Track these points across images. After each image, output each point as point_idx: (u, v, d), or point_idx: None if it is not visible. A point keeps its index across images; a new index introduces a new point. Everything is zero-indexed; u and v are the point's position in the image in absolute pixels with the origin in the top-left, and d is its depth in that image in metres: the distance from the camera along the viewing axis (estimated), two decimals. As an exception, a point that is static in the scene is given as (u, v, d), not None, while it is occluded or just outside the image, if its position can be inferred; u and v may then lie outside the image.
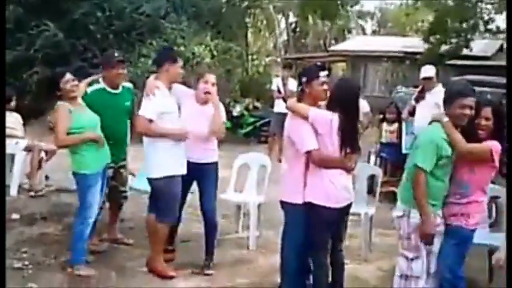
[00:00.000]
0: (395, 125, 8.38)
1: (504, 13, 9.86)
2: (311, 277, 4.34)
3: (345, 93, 4.14)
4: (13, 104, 7.36)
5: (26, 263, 5.05)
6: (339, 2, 22.04)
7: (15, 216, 6.21)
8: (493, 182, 4.44)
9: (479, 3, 15.07)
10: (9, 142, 7.11)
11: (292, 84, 11.22)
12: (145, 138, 4.93)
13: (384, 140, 8.50)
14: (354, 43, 21.60)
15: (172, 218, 5.06)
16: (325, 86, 4.17)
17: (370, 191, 6.28)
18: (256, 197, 6.22)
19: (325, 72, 4.23)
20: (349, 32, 29.64)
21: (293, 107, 4.21)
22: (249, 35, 22.61)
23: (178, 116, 5.02)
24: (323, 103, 4.22)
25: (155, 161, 4.90)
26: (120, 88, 5.53)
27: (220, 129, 5.16)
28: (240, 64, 16.83)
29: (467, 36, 14.65)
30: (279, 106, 10.99)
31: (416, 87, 7.97)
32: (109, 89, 5.43)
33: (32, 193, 7.15)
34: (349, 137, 4.08)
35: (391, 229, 6.40)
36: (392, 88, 14.26)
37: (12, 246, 5.40)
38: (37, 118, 12.19)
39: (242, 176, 6.48)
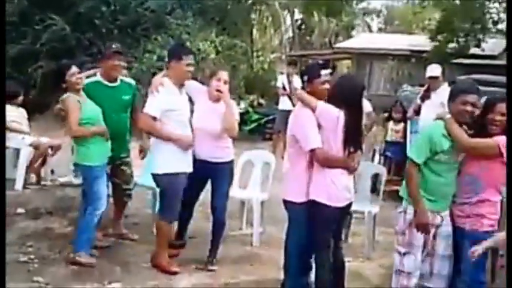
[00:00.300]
0: (401, 125, 8.37)
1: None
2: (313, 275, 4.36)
3: (347, 91, 4.11)
4: (20, 99, 7.39)
5: (32, 257, 5.08)
6: (343, -1, 22.08)
7: (20, 210, 6.24)
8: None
9: (487, 2, 14.99)
10: (15, 137, 7.16)
11: (297, 82, 11.23)
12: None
13: (389, 139, 8.49)
14: (360, 40, 21.54)
15: (173, 216, 5.05)
16: (326, 85, 4.16)
17: (374, 189, 6.29)
18: (260, 193, 6.23)
19: (327, 71, 4.23)
20: (353, 28, 29.59)
21: (302, 97, 4.19)
22: (254, 31, 22.61)
23: (187, 113, 5.02)
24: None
25: (159, 157, 4.91)
26: (118, 82, 5.45)
27: (232, 127, 5.08)
28: (245, 61, 16.82)
29: (477, 35, 14.56)
30: (284, 103, 11.00)
31: (422, 85, 7.95)
32: (105, 82, 5.37)
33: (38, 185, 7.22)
34: (352, 135, 4.07)
35: (394, 228, 6.45)
36: (397, 86, 14.24)
37: (18, 240, 5.44)
38: (42, 112, 12.20)
39: (246, 173, 6.49)
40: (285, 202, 4.30)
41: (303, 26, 28.78)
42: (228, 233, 6.07)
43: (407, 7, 28.29)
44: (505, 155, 3.84)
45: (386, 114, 9.02)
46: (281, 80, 11.31)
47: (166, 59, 5.22)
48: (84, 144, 4.97)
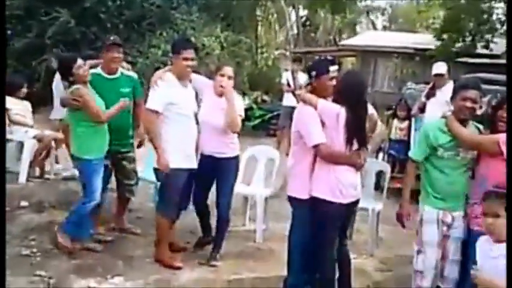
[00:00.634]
0: (406, 122, 8.33)
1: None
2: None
3: (350, 87, 4.10)
4: (24, 91, 7.38)
5: (34, 250, 5.08)
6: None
7: (23, 203, 6.23)
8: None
9: (493, 2, 14.90)
10: (18, 130, 7.16)
11: (302, 78, 11.20)
12: None
13: (393, 137, 8.46)
14: (364, 38, 21.50)
15: (171, 211, 5.04)
16: (334, 81, 4.14)
17: (378, 186, 6.28)
18: (263, 189, 6.22)
19: (335, 67, 4.22)
20: (355, 25, 29.54)
21: (304, 97, 4.19)
22: (259, 27, 22.59)
23: (190, 107, 5.01)
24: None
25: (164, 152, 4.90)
26: (118, 74, 5.44)
27: (234, 122, 5.01)
28: (249, 57, 16.82)
29: (484, 36, 14.48)
30: (288, 99, 10.98)
31: (426, 83, 7.93)
32: (104, 74, 5.37)
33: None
34: (355, 132, 4.04)
35: (397, 225, 6.44)
36: (401, 84, 14.22)
37: (21, 234, 5.43)
38: (46, 105, 12.20)
39: (250, 169, 6.49)
40: (290, 198, 4.29)
41: (308, 23, 28.75)
42: (231, 229, 6.08)
43: (412, 5, 28.25)
44: (504, 152, 3.81)
45: (390, 112, 9.00)
46: (286, 77, 11.29)
47: (171, 54, 5.22)
48: (82, 137, 5.02)
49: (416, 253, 4.13)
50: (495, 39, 14.88)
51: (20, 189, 6.67)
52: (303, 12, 27.49)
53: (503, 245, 3.12)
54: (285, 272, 4.52)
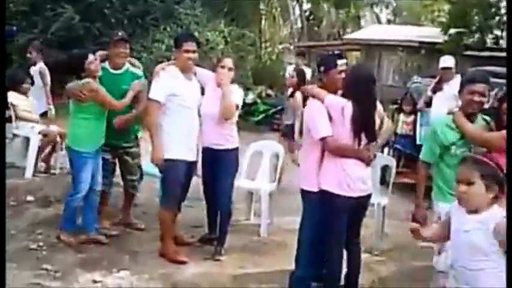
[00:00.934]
0: (412, 117, 8.29)
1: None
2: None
3: (358, 80, 4.09)
4: (26, 86, 7.38)
5: (41, 244, 5.12)
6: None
7: (30, 198, 6.27)
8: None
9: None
10: (24, 126, 7.20)
11: (307, 73, 11.17)
12: None
13: (399, 131, 8.42)
14: (369, 32, 21.43)
15: (172, 203, 5.06)
16: (343, 75, 4.14)
17: (383, 181, 6.27)
18: (268, 184, 6.23)
19: (343, 61, 4.22)
20: (359, 18, 29.43)
21: (312, 91, 4.22)
22: (263, 22, 22.55)
23: (193, 99, 5.02)
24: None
25: (163, 143, 4.94)
26: (123, 70, 5.47)
27: (226, 110, 5.02)
28: (253, 51, 16.81)
29: (493, 31, 14.33)
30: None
31: (433, 77, 7.88)
32: (110, 69, 5.41)
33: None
34: (363, 125, 4.03)
35: (403, 220, 6.45)
36: (406, 78, 14.16)
37: (27, 228, 5.48)
38: (53, 100, 12.20)
39: (254, 164, 6.49)
40: (301, 191, 4.29)
41: (312, 17, 28.67)
42: (236, 223, 6.10)
43: (416, -1, 28.10)
44: None
45: (395, 106, 8.97)
46: (289, 71, 11.26)
47: (174, 49, 5.26)
48: (76, 129, 5.13)
49: (438, 253, 4.02)
50: (504, 33, 14.72)
51: (27, 184, 6.71)
52: (306, 5, 27.43)
53: (476, 217, 2.85)
54: (290, 266, 4.52)
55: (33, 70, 7.62)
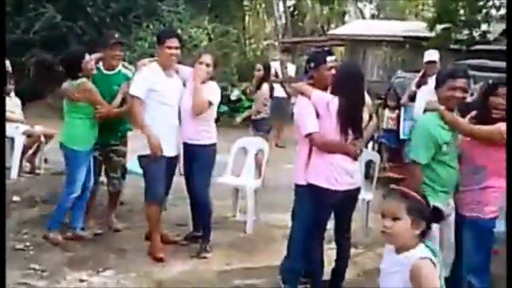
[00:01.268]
0: (397, 112, 8.32)
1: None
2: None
3: (345, 76, 4.15)
4: (9, 88, 7.34)
5: (27, 244, 5.12)
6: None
7: (16, 198, 6.27)
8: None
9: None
10: (9, 126, 7.16)
11: (291, 69, 11.21)
12: None
13: (384, 126, 8.48)
14: (353, 27, 21.44)
15: (154, 198, 5.07)
16: (332, 71, 4.19)
17: (368, 176, 6.32)
18: (253, 181, 6.26)
19: (333, 57, 4.29)
20: (344, 15, 29.47)
21: (299, 88, 4.30)
22: (247, 18, 22.51)
23: (172, 96, 5.04)
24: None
25: (141, 140, 5.02)
26: (116, 71, 5.53)
27: (197, 105, 5.00)
28: (237, 48, 16.77)
29: (481, 26, 14.26)
30: (277, 90, 10.97)
31: (416, 72, 7.91)
32: (104, 70, 5.48)
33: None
34: (350, 121, 4.09)
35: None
36: (391, 73, 14.19)
37: (14, 228, 5.48)
38: (35, 101, 12.18)
39: (240, 160, 6.52)
40: (294, 185, 4.37)
41: (296, 13, 28.67)
42: (222, 220, 6.13)
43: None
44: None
45: (380, 101, 9.01)
46: (273, 67, 11.26)
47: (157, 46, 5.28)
48: (72, 128, 5.17)
49: None
50: (486, 25, 14.67)
51: (12, 184, 6.71)
52: (290, 1, 27.40)
53: (399, 257, 2.59)
54: (276, 262, 4.57)
55: None
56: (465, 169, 3.94)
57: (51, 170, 7.71)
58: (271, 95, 7.96)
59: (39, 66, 12.90)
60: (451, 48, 13.86)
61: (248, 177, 6.33)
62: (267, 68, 8.09)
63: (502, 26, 15.12)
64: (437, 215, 2.74)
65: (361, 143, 4.29)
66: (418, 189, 3.71)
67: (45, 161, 7.80)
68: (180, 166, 5.39)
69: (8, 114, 7.16)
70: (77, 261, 4.88)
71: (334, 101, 4.04)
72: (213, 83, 5.21)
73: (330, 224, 4.37)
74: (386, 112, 8.51)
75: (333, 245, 4.50)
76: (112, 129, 5.52)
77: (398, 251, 2.61)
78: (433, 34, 14.52)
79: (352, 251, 5.32)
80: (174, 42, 5.04)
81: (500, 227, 4.99)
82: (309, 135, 4.11)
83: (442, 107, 3.87)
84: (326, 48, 4.73)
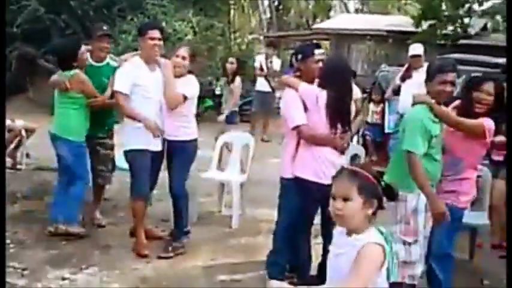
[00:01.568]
0: (381, 106, 8.35)
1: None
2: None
3: (333, 70, 4.16)
4: None
5: (8, 241, 5.01)
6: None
7: (-5, 194, 6.16)
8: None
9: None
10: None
11: (276, 63, 11.17)
12: None
13: (369, 120, 8.49)
14: (338, 21, 21.48)
15: (139, 193, 5.02)
16: (319, 64, 4.18)
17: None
18: (238, 175, 6.22)
19: (321, 50, 4.28)
20: (329, 10, 29.51)
21: (286, 81, 4.28)
22: (232, 12, 22.43)
23: (154, 90, 4.94)
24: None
25: (125, 135, 5.01)
26: (104, 63, 5.53)
27: (169, 99, 4.90)
28: (222, 41, 16.68)
29: (463, 20, 14.40)
30: (261, 84, 10.95)
31: (400, 66, 7.93)
32: (92, 62, 5.47)
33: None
34: (338, 115, 4.08)
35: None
36: (374, 67, 14.22)
37: (-6, 225, 5.37)
38: (17, 94, 12.01)
39: (225, 155, 6.48)
40: (280, 179, 4.34)
41: (281, 7, 28.64)
42: (208, 215, 6.09)
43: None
44: (487, 137, 3.89)
45: (364, 95, 9.00)
46: (258, 61, 11.22)
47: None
48: (66, 119, 5.17)
49: (408, 244, 3.91)
50: (467, 20, 14.80)
51: (-8, 180, 6.58)
52: (275, -5, 27.35)
53: (351, 239, 2.47)
54: (261, 257, 4.54)
55: None
56: (447, 160, 4.01)
57: (33, 165, 7.63)
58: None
59: (21, 60, 12.69)
60: (432, 43, 13.95)
61: (233, 172, 6.28)
62: (239, 61, 8.12)
63: (483, 21, 15.29)
64: (389, 193, 2.60)
65: (348, 136, 4.27)
66: (419, 178, 3.81)
67: (27, 155, 7.70)
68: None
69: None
70: (60, 259, 4.80)
71: (322, 94, 4.04)
72: (191, 77, 5.12)
73: (317, 219, 4.35)
74: (371, 106, 8.53)
75: (320, 239, 4.47)
76: (98, 122, 5.48)
77: (349, 232, 2.49)
78: (417, 29, 14.61)
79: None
80: (156, 33, 4.97)
81: (483, 219, 5.06)
82: (296, 128, 4.09)
83: (432, 101, 3.88)
84: (315, 42, 4.71)
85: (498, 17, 14.28)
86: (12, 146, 7.32)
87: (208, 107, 11.69)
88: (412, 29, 14.88)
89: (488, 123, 3.91)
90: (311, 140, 4.10)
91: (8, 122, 7.20)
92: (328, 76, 4.10)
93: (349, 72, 4.31)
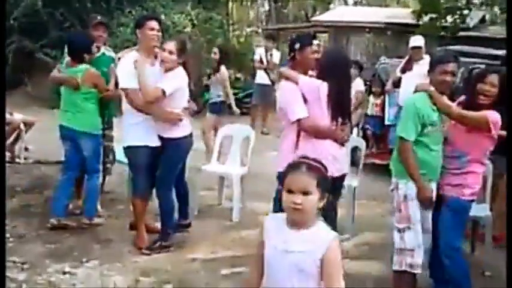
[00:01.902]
0: (381, 98, 8.33)
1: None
2: None
3: (333, 61, 4.15)
4: None
5: (7, 235, 4.99)
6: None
7: (-6, 188, 6.14)
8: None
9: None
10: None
11: (276, 56, 11.12)
12: None
13: (369, 113, 8.48)
14: (336, 13, 21.42)
15: (139, 189, 4.99)
16: (316, 55, 4.18)
17: (353, 162, 6.28)
18: (239, 168, 6.20)
19: (317, 42, 4.31)
20: (329, 3, 29.44)
21: (285, 73, 4.24)
22: (231, 4, 22.36)
23: (155, 85, 4.83)
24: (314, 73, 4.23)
25: (124, 131, 4.97)
26: (100, 53, 5.53)
27: (145, 94, 4.71)
28: (221, 34, 16.62)
29: (462, 12, 14.39)
30: (261, 77, 10.91)
31: (400, 58, 7.91)
32: None
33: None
34: (339, 106, 4.08)
35: (373, 201, 6.50)
36: (374, 59, 14.20)
37: (-7, 219, 5.35)
38: (16, 88, 12.00)
39: (225, 148, 6.45)
40: (278, 173, 4.27)
41: (279, -1, 28.56)
42: (208, 208, 6.08)
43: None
44: (492, 130, 3.87)
45: (365, 88, 8.98)
46: (258, 53, 11.18)
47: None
48: (91, 115, 5.28)
49: (402, 231, 3.94)
50: (465, 11, 14.79)
51: (-10, 174, 6.56)
52: (274, -12, 27.24)
53: (302, 235, 2.42)
54: (262, 251, 4.52)
55: None
56: (450, 153, 4.02)
57: (32, 158, 7.60)
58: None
59: (18, 54, 12.67)
60: (431, 35, 13.95)
61: (234, 165, 6.26)
62: (223, 51, 8.18)
63: (481, 13, 15.28)
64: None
65: (349, 128, 4.26)
66: (408, 163, 3.83)
67: (26, 149, 7.68)
68: None
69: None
70: (60, 253, 4.79)
71: (323, 86, 4.03)
72: (179, 71, 4.92)
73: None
74: (371, 98, 8.54)
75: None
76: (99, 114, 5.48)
77: (298, 226, 2.42)
78: (416, 22, 14.61)
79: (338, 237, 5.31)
80: (154, 24, 4.89)
81: (485, 211, 5.04)
82: (298, 121, 4.06)
83: (433, 88, 3.92)
84: (311, 33, 4.70)
85: (496, 9, 14.29)
86: (10, 139, 7.29)
87: (206, 100, 11.66)
88: (411, 21, 14.86)
89: (494, 116, 3.88)
90: (312, 132, 4.07)
91: (6, 115, 7.17)
92: (328, 68, 4.09)
93: (348, 64, 4.30)
